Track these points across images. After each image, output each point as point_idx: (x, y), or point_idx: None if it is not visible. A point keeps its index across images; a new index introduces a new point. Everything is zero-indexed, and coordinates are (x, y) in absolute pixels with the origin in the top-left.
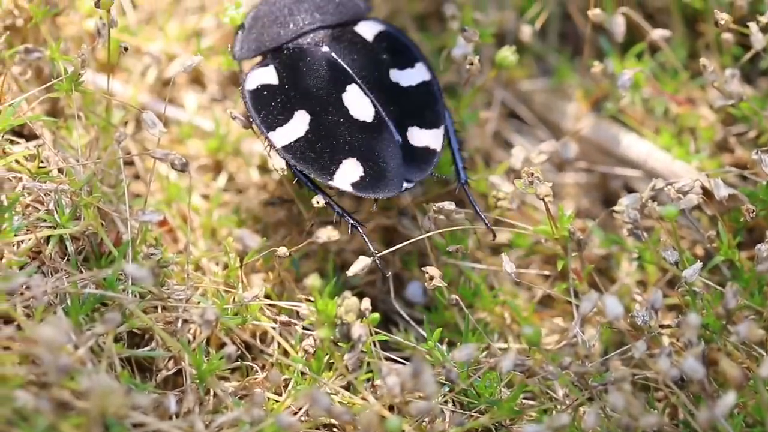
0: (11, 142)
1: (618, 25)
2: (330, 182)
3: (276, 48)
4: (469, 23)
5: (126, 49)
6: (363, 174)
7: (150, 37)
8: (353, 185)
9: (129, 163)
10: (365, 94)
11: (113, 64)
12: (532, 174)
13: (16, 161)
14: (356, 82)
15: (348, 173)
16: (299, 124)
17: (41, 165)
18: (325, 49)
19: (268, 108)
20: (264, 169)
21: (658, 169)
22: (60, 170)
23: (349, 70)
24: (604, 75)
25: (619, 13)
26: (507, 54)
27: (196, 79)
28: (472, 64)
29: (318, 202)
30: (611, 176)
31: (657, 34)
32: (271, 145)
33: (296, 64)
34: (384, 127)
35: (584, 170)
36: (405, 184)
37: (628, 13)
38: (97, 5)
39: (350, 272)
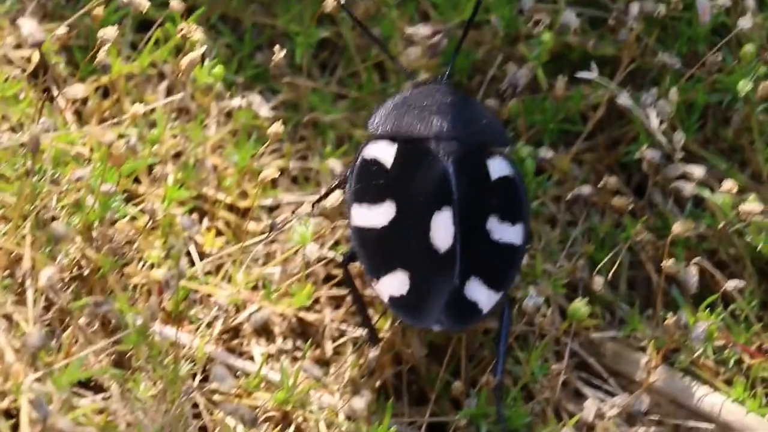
0: (78, 395)
1: (691, 276)
2: (373, 283)
3: (409, 137)
4: (540, 275)
5: (195, 301)
6: (406, 294)
7: (217, 286)
8: (391, 298)
9: (196, 415)
10: (454, 223)
11: (181, 315)
12: (607, 429)
13: (84, 415)
14: (453, 210)
15: (393, 285)
16: (382, 215)
17: (109, 418)
18: (447, 163)
19: (368, 181)
20: (332, 422)
21: (732, 423)
22: (128, 424)
23: (454, 195)
24: (677, 326)
25: (693, 264)
26: (580, 306)
27: (264, 327)
28: (544, 316)
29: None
30: (684, 429)
31: (731, 285)
32: (348, 218)
33: (414, 161)
34: (451, 264)
35: (656, 422)
36: (435, 325)
37: (701, 263)
38: (166, 256)
39: None
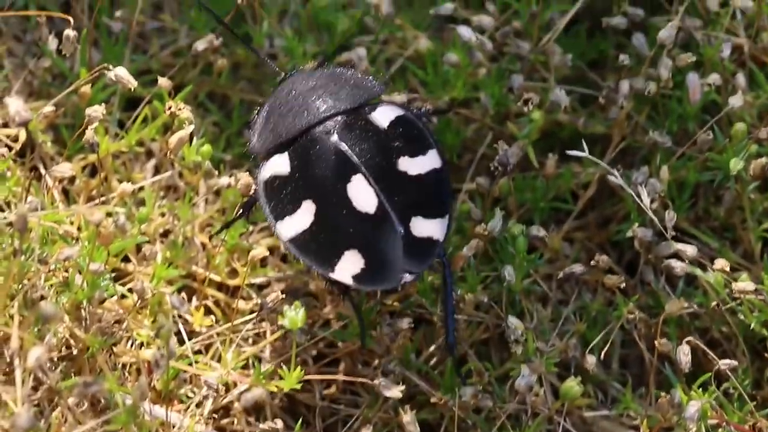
0: None
1: (684, 355)
2: (331, 275)
3: (291, 138)
4: (532, 354)
5: (185, 380)
6: (364, 267)
7: (207, 365)
8: (354, 278)
9: None
10: (370, 184)
11: (171, 394)
12: None
13: None
14: (362, 172)
15: (349, 266)
16: (305, 215)
17: None
18: (335, 138)
19: (278, 198)
20: None
21: None
22: None
23: (355, 160)
24: (670, 405)
25: (686, 343)
26: (572, 385)
27: (255, 406)
28: (537, 395)
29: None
30: None
31: (723, 364)
32: (279, 237)
33: (307, 154)
34: (386, 218)
35: None
36: (405, 277)
37: (694, 341)
38: (156, 335)
39: None
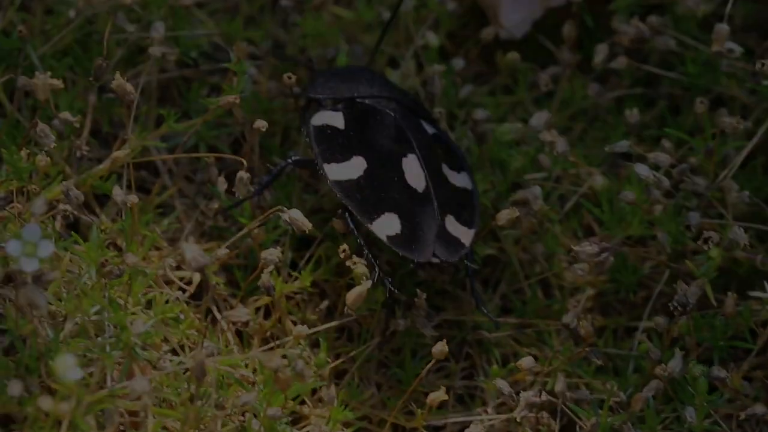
0: None
1: None
2: (368, 225)
3: (349, 98)
4: None
5: None
6: (400, 232)
7: None
8: (389, 238)
9: None
10: (421, 167)
11: None
12: None
13: None
14: (416, 154)
15: (387, 225)
16: (356, 167)
17: None
18: (396, 115)
19: (329, 144)
20: None
21: None
22: None
23: (413, 141)
24: None
25: None
26: None
27: None
28: None
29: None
30: None
31: None
32: (325, 176)
33: (364, 118)
34: (430, 202)
35: None
36: (433, 259)
37: None
38: None
39: None
